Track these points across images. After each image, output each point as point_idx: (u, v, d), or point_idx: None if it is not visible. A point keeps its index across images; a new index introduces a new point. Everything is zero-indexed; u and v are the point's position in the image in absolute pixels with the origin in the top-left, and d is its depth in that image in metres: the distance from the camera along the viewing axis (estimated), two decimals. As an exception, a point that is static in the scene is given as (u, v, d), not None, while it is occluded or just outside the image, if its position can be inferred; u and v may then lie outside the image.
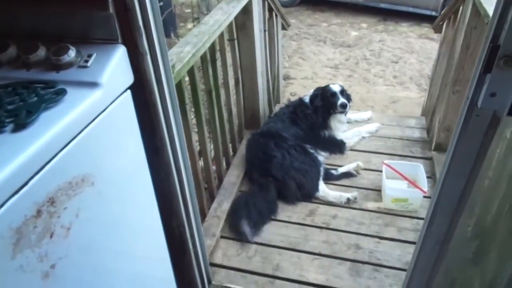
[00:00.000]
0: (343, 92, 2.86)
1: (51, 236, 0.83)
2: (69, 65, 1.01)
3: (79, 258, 0.94)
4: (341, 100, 2.77)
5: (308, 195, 2.47)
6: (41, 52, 1.02)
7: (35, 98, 0.90)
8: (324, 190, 2.49)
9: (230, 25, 2.41)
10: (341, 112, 2.80)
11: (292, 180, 2.43)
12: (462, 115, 1.00)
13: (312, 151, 2.66)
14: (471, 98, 0.96)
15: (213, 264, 2.11)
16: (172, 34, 5.54)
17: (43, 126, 0.83)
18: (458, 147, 1.04)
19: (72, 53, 1.01)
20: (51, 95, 0.91)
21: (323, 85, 3.03)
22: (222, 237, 2.27)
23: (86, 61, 1.01)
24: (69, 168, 0.87)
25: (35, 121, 0.84)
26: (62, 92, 0.92)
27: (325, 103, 2.81)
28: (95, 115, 0.95)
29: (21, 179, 0.75)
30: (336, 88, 2.84)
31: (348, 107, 2.80)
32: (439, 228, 1.23)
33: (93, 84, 0.97)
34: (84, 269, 0.97)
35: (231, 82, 2.64)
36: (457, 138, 1.04)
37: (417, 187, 2.37)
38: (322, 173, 2.55)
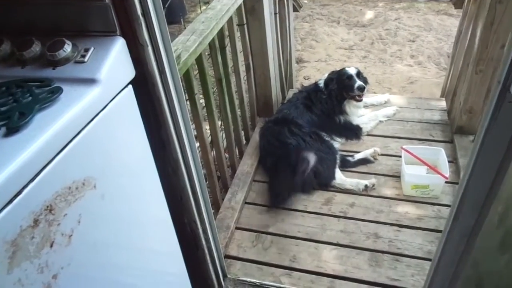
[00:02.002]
0: (359, 74, 2.75)
1: (51, 246, 0.78)
2: (66, 60, 0.95)
3: (84, 265, 0.89)
4: (358, 82, 2.66)
5: (325, 183, 2.40)
6: (36, 47, 0.96)
7: (29, 98, 0.84)
8: (340, 177, 2.42)
9: (239, 9, 2.32)
10: (358, 96, 2.69)
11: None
12: (493, 102, 0.91)
13: (327, 138, 2.58)
14: (503, 83, 0.87)
15: (228, 256, 2.07)
16: (182, 20, 5.44)
17: (37, 129, 0.78)
18: (488, 136, 0.95)
19: (68, 47, 0.95)
20: (46, 94, 0.85)
21: (337, 67, 2.92)
22: (237, 228, 2.23)
23: (83, 56, 0.95)
24: (67, 172, 0.82)
25: (29, 123, 0.79)
26: (58, 91, 0.86)
27: (341, 86, 2.70)
28: (94, 113, 0.90)
29: (15, 188, 0.70)
30: (352, 70, 2.74)
31: (365, 90, 2.69)
32: (466, 221, 1.15)
33: (91, 81, 0.91)
34: (90, 276, 0.93)
35: (242, 69, 2.55)
36: (487, 127, 0.94)
37: (438, 172, 2.27)
38: (338, 160, 2.47)
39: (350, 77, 2.70)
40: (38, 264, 0.75)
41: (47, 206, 0.76)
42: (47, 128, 0.78)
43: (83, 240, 0.87)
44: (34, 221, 0.73)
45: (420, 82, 4.03)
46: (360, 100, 2.74)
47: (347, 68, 2.77)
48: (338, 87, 2.71)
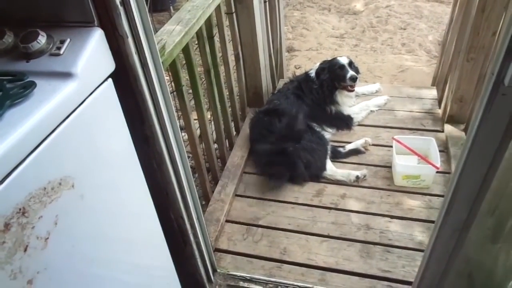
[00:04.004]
0: (351, 64, 2.70)
1: (25, 250, 0.74)
2: (40, 53, 0.90)
3: (63, 268, 0.85)
4: (351, 72, 2.62)
5: (316, 175, 2.37)
6: (8, 39, 0.91)
7: (0, 93, 0.79)
8: (331, 168, 2.39)
9: (227, -3, 2.26)
10: (350, 86, 2.66)
11: (299, 160, 2.33)
12: (486, 93, 0.88)
13: (318, 129, 2.54)
14: (497, 75, 0.84)
15: (218, 250, 2.05)
16: (171, 7, 5.32)
17: (7, 127, 0.73)
18: (481, 130, 0.92)
19: (42, 39, 0.90)
20: (18, 89, 0.80)
21: (328, 56, 2.88)
22: (227, 221, 2.20)
23: (59, 48, 0.90)
24: (42, 172, 0.78)
25: (-2, 121, 0.74)
26: (31, 86, 0.82)
27: (333, 76, 2.66)
28: (70, 109, 0.85)
29: (-18, 191, 0.66)
30: (344, 60, 2.69)
31: (357, 80, 2.65)
32: (458, 216, 1.12)
33: (67, 75, 0.86)
34: (70, 279, 0.89)
35: (231, 59, 2.50)
36: (480, 120, 0.92)
37: (429, 162, 2.25)
38: (329, 151, 2.44)
39: (342, 67, 2.66)
40: (11, 270, 0.71)
41: (20, 209, 0.72)
42: (18, 126, 0.74)
43: (61, 242, 0.83)
44: (4, 225, 0.69)
45: (411, 70, 4.00)
46: (352, 90, 2.70)
47: (338, 58, 2.72)
48: (330, 77, 2.67)
